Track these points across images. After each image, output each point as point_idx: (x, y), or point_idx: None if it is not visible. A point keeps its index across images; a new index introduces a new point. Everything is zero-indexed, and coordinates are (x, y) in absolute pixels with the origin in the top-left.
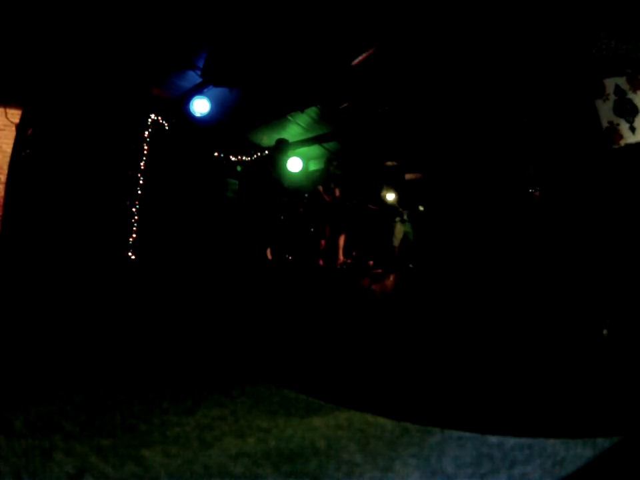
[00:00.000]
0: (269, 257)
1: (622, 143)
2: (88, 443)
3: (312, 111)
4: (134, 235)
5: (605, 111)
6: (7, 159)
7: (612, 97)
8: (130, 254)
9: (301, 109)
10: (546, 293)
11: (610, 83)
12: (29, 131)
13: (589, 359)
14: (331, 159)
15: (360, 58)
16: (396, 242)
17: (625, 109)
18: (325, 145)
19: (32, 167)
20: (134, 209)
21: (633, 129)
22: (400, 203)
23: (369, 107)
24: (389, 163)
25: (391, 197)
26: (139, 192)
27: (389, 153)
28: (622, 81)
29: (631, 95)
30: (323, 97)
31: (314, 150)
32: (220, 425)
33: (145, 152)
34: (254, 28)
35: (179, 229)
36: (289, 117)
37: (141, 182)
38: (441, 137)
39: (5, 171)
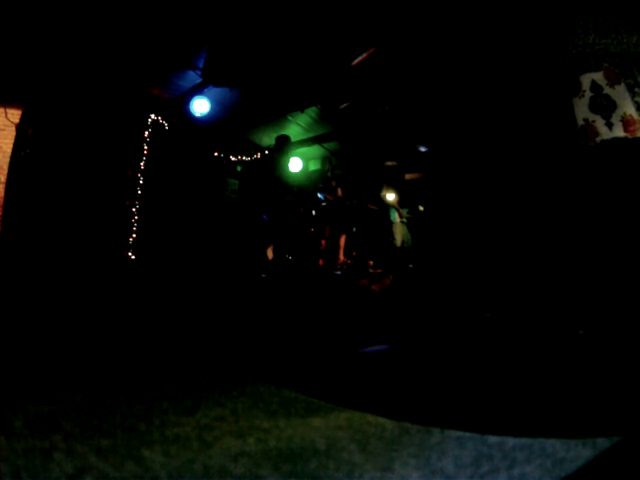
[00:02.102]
0: (270, 256)
1: (598, 140)
2: (88, 443)
3: (312, 111)
4: (134, 235)
5: (581, 108)
6: (7, 159)
7: (588, 94)
8: (130, 254)
9: (301, 109)
10: (546, 291)
11: (586, 79)
12: (29, 131)
13: (589, 358)
14: (330, 159)
15: (360, 58)
16: (397, 243)
17: (601, 105)
18: (325, 144)
19: (32, 167)
20: (134, 209)
21: (609, 125)
22: (398, 203)
23: (368, 106)
24: (389, 163)
25: (390, 197)
26: (139, 192)
27: (389, 152)
28: (599, 76)
29: (608, 91)
30: (323, 97)
31: (314, 150)
32: (220, 425)
33: (145, 152)
34: (254, 28)
35: (179, 229)
36: (289, 117)
37: (141, 182)
38: (441, 137)
39: (5, 170)
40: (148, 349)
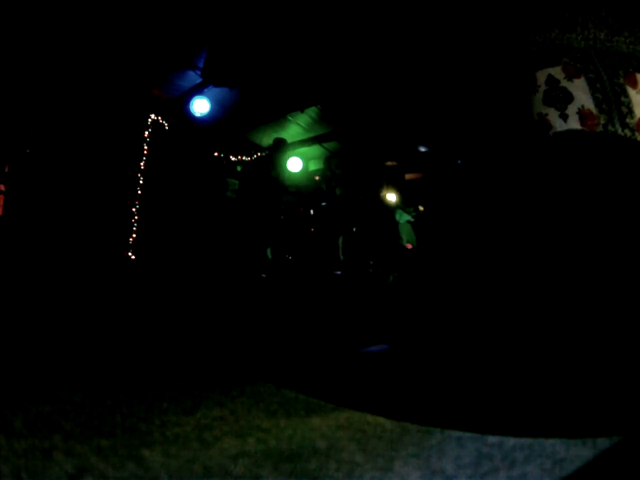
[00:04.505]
0: (269, 257)
1: (551, 132)
2: (88, 443)
3: (312, 111)
4: (134, 235)
5: (536, 103)
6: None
7: (542, 88)
8: (130, 254)
9: (301, 109)
10: (545, 291)
11: (542, 75)
12: (29, 131)
13: (588, 357)
14: (330, 159)
15: (359, 58)
16: (404, 242)
17: (556, 98)
18: (325, 144)
19: (32, 167)
20: (134, 209)
21: (564, 117)
22: (403, 203)
23: (369, 107)
24: (389, 163)
25: (391, 197)
26: (139, 192)
27: (389, 152)
28: (556, 71)
29: (565, 84)
30: (323, 97)
31: (314, 150)
32: (220, 425)
33: (145, 152)
34: (254, 28)
35: (179, 228)
36: (289, 117)
37: (141, 182)
38: (443, 136)
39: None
40: (148, 349)
